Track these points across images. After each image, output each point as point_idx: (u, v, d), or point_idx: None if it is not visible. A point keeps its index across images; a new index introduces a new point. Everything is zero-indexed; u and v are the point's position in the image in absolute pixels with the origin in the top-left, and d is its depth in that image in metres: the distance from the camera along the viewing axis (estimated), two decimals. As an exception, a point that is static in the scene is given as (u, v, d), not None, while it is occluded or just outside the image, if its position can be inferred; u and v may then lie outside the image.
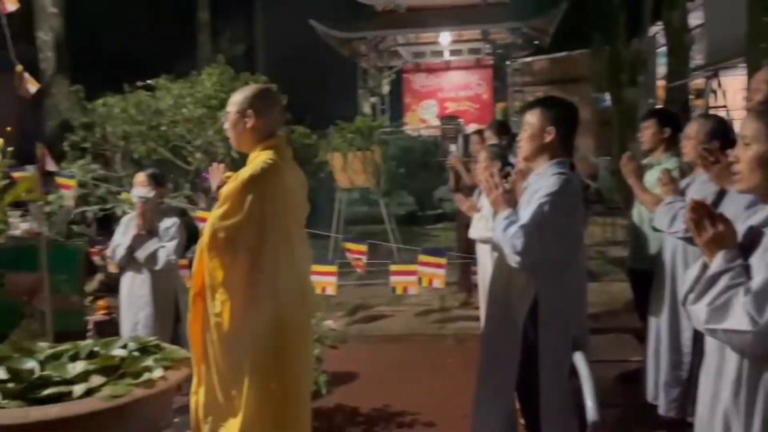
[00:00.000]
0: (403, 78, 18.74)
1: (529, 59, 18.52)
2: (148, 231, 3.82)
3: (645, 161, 3.86)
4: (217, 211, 2.46)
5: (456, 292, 6.70)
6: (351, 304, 6.60)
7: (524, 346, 2.52)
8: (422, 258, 5.00)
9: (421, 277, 4.99)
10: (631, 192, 3.66)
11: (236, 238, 2.42)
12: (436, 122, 17.13)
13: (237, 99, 2.61)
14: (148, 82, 6.85)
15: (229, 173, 2.73)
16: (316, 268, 4.68)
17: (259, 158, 2.53)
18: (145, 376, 2.38)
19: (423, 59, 18.74)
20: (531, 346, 2.51)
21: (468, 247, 5.67)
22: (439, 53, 18.53)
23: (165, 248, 3.79)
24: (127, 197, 5.18)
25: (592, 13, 14.21)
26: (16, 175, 3.96)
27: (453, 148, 8.69)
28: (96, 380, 2.31)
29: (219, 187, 2.68)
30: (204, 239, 2.47)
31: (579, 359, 2.43)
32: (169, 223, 3.88)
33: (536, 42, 17.61)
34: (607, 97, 14.63)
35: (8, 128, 4.70)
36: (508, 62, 17.75)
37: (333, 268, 4.88)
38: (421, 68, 18.86)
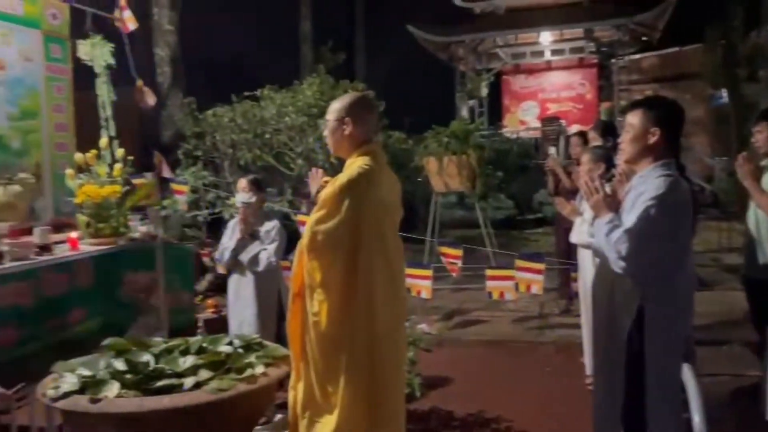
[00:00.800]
0: (502, 80, 18.49)
1: (636, 56, 17.71)
2: (251, 234, 3.99)
3: (764, 162, 3.60)
4: (316, 214, 2.55)
5: (556, 299, 6.52)
6: (447, 308, 6.59)
7: (629, 356, 2.42)
8: (520, 263, 4.92)
9: (519, 282, 4.92)
10: (748, 195, 3.42)
11: (333, 240, 2.49)
12: (537, 124, 16.76)
13: (335, 107, 2.69)
14: (255, 93, 7.18)
15: (327, 178, 2.81)
16: (411, 271, 4.73)
17: (355, 164, 2.59)
18: (248, 371, 2.51)
19: (523, 60, 18.39)
20: (637, 356, 2.40)
21: (568, 253, 5.50)
22: (540, 53, 18.13)
23: (266, 251, 3.95)
24: (234, 202, 5.45)
25: (705, 5, 13.37)
26: (136, 181, 4.26)
27: (552, 150, 8.44)
28: (204, 374, 2.45)
29: (318, 192, 2.77)
30: (303, 241, 2.57)
31: (686, 371, 2.31)
32: (269, 226, 4.04)
33: (644, 38, 16.82)
34: (724, 94, 13.71)
35: (157, 156, 5.07)
36: (613, 60, 17.05)
37: (428, 272, 4.90)
38: (520, 69, 18.53)
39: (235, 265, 4.07)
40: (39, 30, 4.16)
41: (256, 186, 4.07)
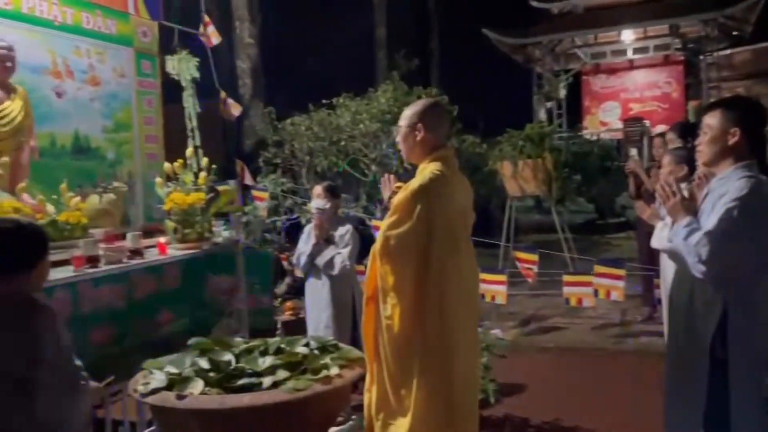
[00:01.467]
0: (581, 80, 18.00)
1: (727, 52, 16.80)
2: (326, 239, 4.10)
3: None
4: (389, 219, 2.60)
5: (639, 306, 6.30)
6: (523, 314, 6.49)
7: (712, 365, 2.32)
8: (599, 269, 4.80)
9: (598, 288, 4.79)
10: None
11: (406, 245, 2.53)
12: (619, 125, 16.20)
13: (408, 113, 2.74)
14: (331, 101, 7.35)
15: (399, 184, 2.86)
16: (486, 276, 4.71)
17: (427, 169, 2.62)
18: (323, 372, 2.58)
19: (603, 60, 17.83)
20: (720, 366, 2.30)
21: (651, 258, 5.31)
22: (621, 52, 17.52)
23: (340, 255, 4.04)
24: (310, 208, 5.59)
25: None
26: (219, 188, 4.46)
27: (633, 152, 8.16)
28: (281, 374, 2.54)
29: (390, 197, 2.82)
30: (377, 246, 2.62)
31: (773, 382, 2.20)
32: (343, 231, 4.13)
33: (735, 32, 15.95)
34: (825, 89, 12.81)
35: (239, 164, 5.27)
36: (701, 57, 16.25)
37: (502, 277, 4.86)
38: (601, 69, 17.96)
39: (311, 269, 4.18)
40: (131, 47, 4.44)
41: (331, 192, 4.17)
